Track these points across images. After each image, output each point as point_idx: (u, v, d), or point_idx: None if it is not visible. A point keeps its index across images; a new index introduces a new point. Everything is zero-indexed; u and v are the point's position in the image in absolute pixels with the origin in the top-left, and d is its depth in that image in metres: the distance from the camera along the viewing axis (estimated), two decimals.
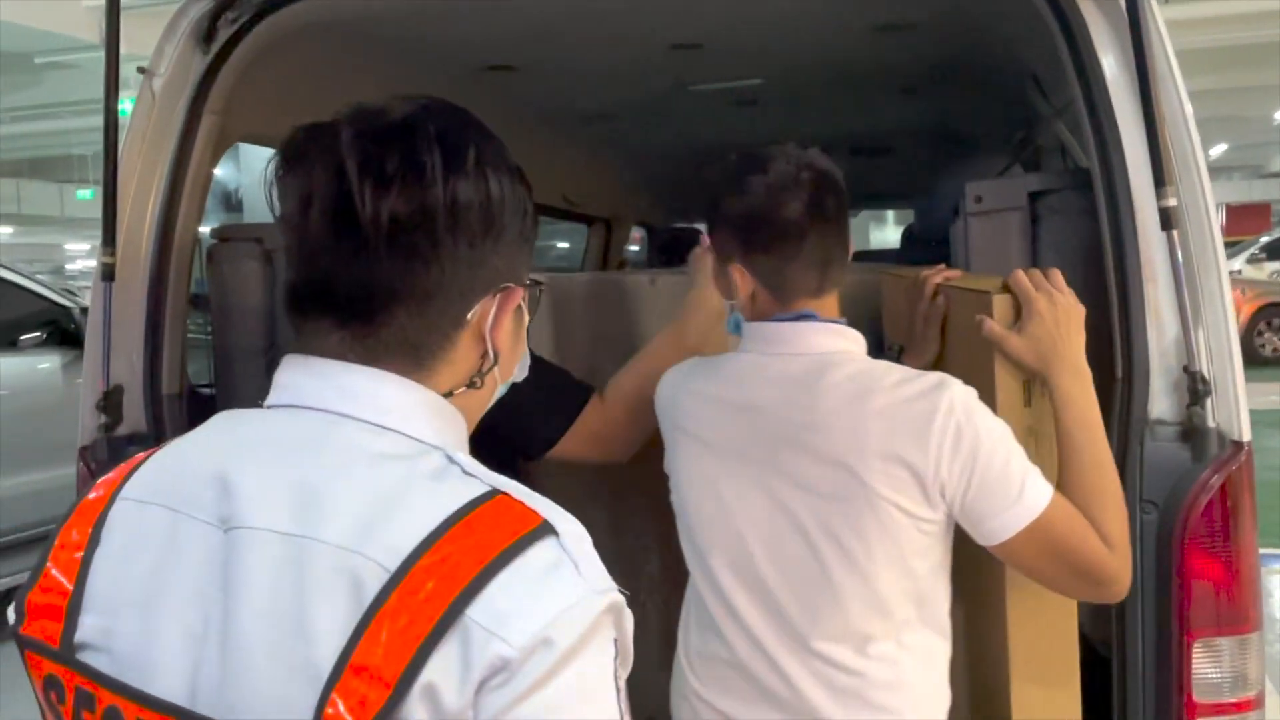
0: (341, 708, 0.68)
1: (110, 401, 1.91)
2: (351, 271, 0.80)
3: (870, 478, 1.32)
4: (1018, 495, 1.31)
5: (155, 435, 1.93)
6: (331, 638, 0.69)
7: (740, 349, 1.51)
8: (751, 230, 1.44)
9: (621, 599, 0.74)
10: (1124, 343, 1.57)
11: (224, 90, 1.99)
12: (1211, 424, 1.51)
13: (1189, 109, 1.58)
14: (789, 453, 1.39)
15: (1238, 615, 1.51)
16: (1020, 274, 1.48)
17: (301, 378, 0.83)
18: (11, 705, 3.69)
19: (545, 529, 0.73)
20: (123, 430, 1.93)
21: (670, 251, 4.29)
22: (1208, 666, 1.51)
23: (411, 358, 0.83)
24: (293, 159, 0.82)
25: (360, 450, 0.78)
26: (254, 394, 0.95)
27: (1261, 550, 1.57)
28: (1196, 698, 1.51)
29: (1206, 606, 1.51)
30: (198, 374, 2.26)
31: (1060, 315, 1.43)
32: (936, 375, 1.37)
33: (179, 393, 2.00)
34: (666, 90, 3.04)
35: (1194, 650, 1.51)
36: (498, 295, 0.85)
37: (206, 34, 1.94)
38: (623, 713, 0.74)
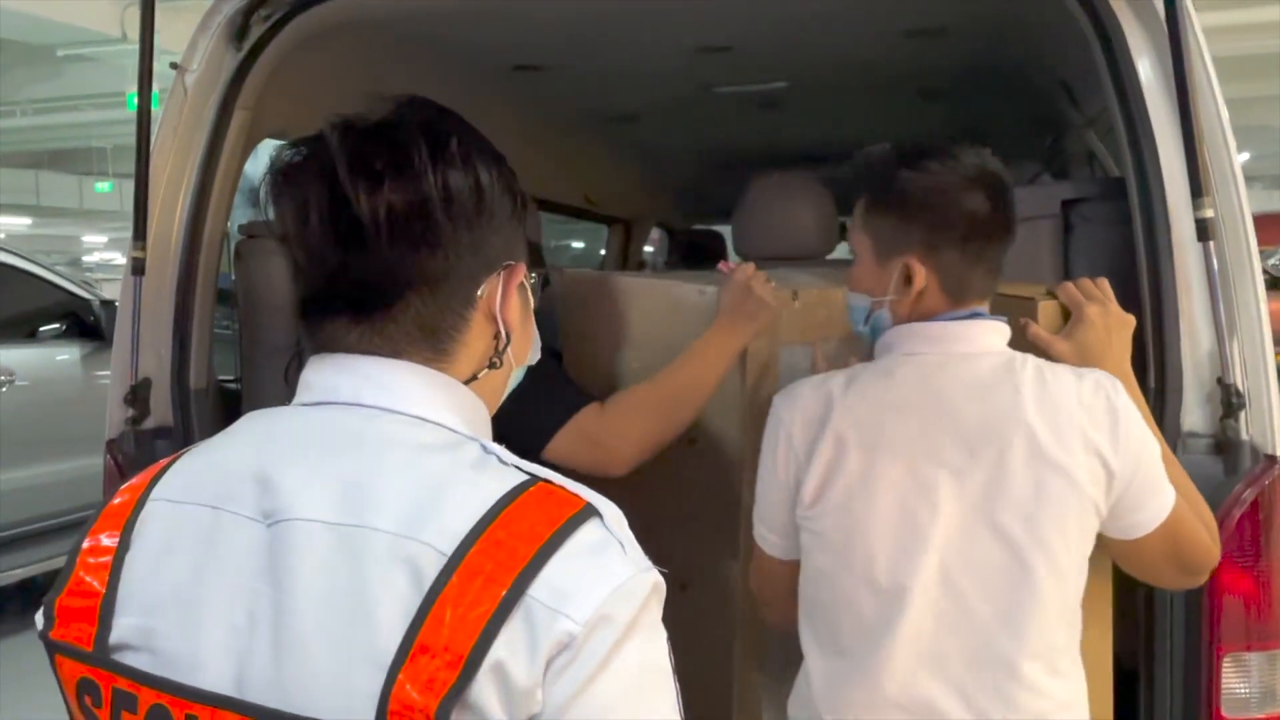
0: (410, 688, 0.69)
1: (138, 395, 1.91)
2: (360, 269, 0.81)
3: (1078, 473, 1.27)
4: (1160, 489, 1.31)
5: (182, 429, 1.94)
6: (394, 622, 0.71)
7: (898, 350, 1.39)
8: (941, 222, 1.34)
9: (661, 579, 0.76)
10: (1157, 354, 1.56)
11: (255, 87, 2.00)
12: (1245, 437, 1.51)
13: (1226, 118, 1.57)
14: (991, 455, 1.29)
15: (1268, 630, 1.50)
16: (1069, 284, 1.48)
17: (331, 375, 0.84)
18: (12, 705, 3.69)
19: (590, 511, 0.75)
20: (150, 424, 1.94)
21: (690, 254, 4.28)
22: (1236, 681, 1.51)
23: (430, 344, 0.84)
24: (285, 175, 0.83)
25: (402, 442, 0.79)
26: (279, 390, 0.95)
27: None
28: (1225, 713, 1.51)
29: (1236, 621, 1.50)
30: (222, 368, 2.26)
31: (1112, 323, 1.44)
32: (1099, 370, 1.35)
33: (205, 387, 2.01)
34: (691, 92, 3.04)
35: (1223, 665, 1.50)
36: (501, 273, 0.87)
37: (240, 31, 1.95)
38: (677, 691, 0.76)
